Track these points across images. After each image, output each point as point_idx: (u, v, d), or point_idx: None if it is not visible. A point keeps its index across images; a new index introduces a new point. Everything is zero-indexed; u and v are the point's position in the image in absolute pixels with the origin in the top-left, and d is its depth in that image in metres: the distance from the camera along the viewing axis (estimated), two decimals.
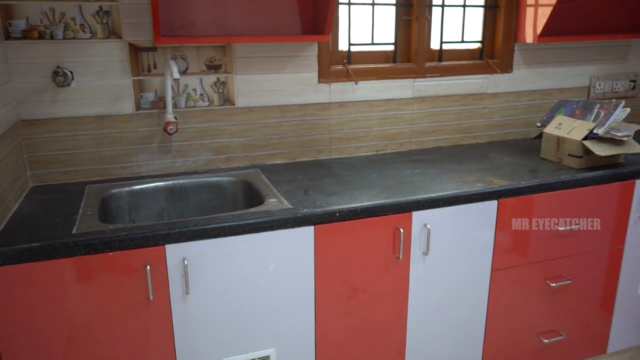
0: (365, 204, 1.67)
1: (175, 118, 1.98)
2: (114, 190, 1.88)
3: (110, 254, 1.42)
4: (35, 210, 1.63)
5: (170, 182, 1.99)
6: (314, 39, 2.04)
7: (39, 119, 1.85)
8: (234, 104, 2.08)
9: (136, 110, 1.96)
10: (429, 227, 1.74)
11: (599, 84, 2.63)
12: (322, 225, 1.62)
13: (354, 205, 1.65)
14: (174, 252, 1.47)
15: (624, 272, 2.12)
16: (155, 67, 1.95)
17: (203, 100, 2.04)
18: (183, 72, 1.97)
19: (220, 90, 2.05)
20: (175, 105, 2.00)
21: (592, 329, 2.16)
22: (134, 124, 1.97)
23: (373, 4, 2.23)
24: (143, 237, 1.43)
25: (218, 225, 1.51)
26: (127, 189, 1.91)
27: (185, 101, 2.02)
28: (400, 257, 1.73)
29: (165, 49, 1.94)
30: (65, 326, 1.43)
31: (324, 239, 1.63)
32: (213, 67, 2.02)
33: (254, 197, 1.90)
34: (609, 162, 2.03)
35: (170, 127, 1.94)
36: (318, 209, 1.62)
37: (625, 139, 1.98)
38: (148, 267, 1.44)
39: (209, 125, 2.07)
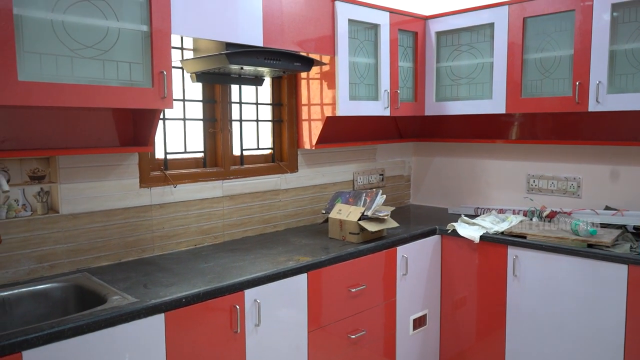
0: (206, 288, 1.93)
1: None
2: None
3: None
4: None
5: None
6: (138, 150, 2.28)
7: None
8: (58, 212, 2.15)
9: None
10: (258, 301, 2.08)
11: (360, 178, 3.42)
12: (171, 311, 1.82)
13: (196, 290, 1.91)
14: (32, 358, 1.50)
15: (399, 319, 2.75)
16: None
17: (26, 210, 2.07)
18: None
19: (44, 199, 2.12)
20: None
21: None
22: None
23: (184, 119, 2.60)
24: None
25: (74, 324, 1.60)
26: None
27: (7, 212, 2.03)
28: (238, 331, 2.01)
29: None
30: None
31: (173, 324, 1.83)
32: (37, 178, 2.10)
33: (88, 299, 1.97)
34: (378, 236, 2.70)
35: None
36: (166, 298, 1.82)
37: (386, 217, 2.68)
38: None
39: (32, 234, 2.09)
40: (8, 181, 2.01)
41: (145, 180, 2.41)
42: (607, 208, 2.88)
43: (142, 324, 1.75)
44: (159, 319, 1.79)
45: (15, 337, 1.49)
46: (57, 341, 1.56)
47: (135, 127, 2.29)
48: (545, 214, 2.95)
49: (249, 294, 2.06)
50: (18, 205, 2.06)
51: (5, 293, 1.95)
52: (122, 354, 1.70)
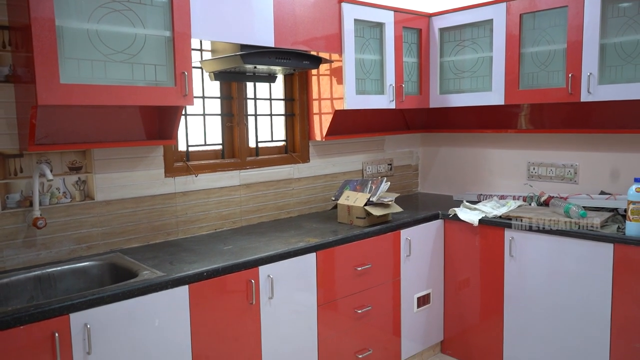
0: (224, 264, 2.18)
1: (41, 214, 2.24)
2: None
3: (22, 327, 1.66)
4: None
5: (39, 272, 2.20)
6: (162, 143, 2.54)
7: None
8: (93, 199, 2.42)
9: (2, 210, 2.18)
10: (272, 277, 2.32)
11: (369, 167, 3.63)
12: (194, 283, 2.08)
13: (216, 266, 2.16)
14: (77, 319, 1.77)
15: (403, 297, 2.97)
16: (21, 171, 2.22)
17: (66, 197, 2.35)
18: None
19: (82, 188, 2.39)
20: (40, 203, 2.26)
21: (389, 342, 2.93)
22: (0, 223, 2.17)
23: (204, 115, 2.85)
24: (50, 309, 1.71)
25: (113, 292, 1.86)
26: None
27: (50, 199, 2.30)
28: (254, 303, 2.26)
29: (32, 155, 2.23)
30: None
31: (196, 295, 2.08)
32: (75, 169, 2.37)
33: (121, 275, 2.23)
34: (383, 220, 2.91)
35: (40, 222, 2.20)
36: (189, 272, 2.08)
37: (390, 202, 2.89)
38: (56, 335, 1.71)
39: (71, 219, 2.36)
40: (51, 171, 2.28)
41: (170, 171, 2.67)
42: (602, 193, 3.04)
43: (169, 294, 2.01)
44: (183, 290, 2.05)
45: (64, 302, 1.75)
46: (98, 306, 1.82)
47: (160, 122, 2.54)
48: (543, 199, 3.12)
49: (263, 270, 2.30)
50: (59, 192, 2.33)
51: (51, 269, 2.22)
52: (152, 319, 1.96)
